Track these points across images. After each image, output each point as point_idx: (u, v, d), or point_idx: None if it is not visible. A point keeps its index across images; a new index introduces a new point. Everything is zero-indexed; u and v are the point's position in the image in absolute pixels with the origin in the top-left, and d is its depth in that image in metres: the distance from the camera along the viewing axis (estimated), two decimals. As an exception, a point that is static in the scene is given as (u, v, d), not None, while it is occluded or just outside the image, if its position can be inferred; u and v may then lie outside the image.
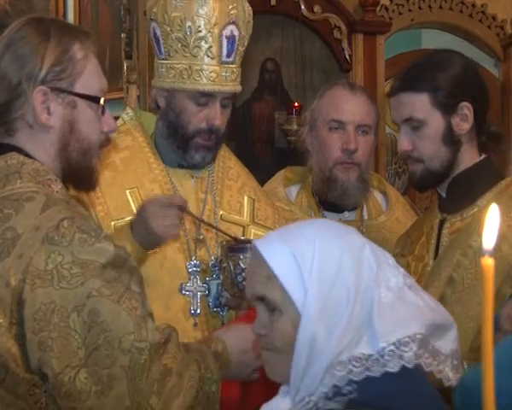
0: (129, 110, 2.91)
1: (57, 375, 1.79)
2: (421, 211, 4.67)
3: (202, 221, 2.66)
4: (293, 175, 3.37)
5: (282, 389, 1.72)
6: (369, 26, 5.19)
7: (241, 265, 2.49)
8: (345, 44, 5.17)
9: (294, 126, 4.73)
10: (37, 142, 1.98)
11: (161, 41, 2.65)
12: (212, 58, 2.61)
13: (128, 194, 2.68)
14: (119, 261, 1.88)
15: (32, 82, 1.94)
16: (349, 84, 3.31)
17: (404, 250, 2.76)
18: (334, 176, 3.12)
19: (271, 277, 1.62)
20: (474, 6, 5.44)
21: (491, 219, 1.00)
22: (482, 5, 5.46)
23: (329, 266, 1.61)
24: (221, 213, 2.77)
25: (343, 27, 5.16)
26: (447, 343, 1.69)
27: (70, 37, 1.99)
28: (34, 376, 1.82)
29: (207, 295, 2.66)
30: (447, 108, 2.54)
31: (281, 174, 3.38)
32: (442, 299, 2.41)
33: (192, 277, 2.65)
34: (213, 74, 2.61)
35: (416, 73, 2.58)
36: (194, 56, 2.61)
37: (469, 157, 2.60)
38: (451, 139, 2.56)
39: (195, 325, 2.63)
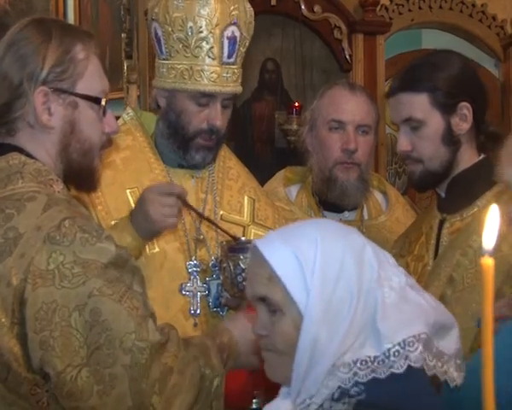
0: (129, 110, 2.91)
1: (59, 374, 1.80)
2: (422, 211, 4.67)
3: (201, 215, 2.66)
4: (293, 175, 3.37)
5: (283, 390, 1.71)
6: (369, 26, 5.19)
7: (242, 265, 2.49)
8: (345, 44, 5.17)
9: (294, 126, 4.72)
10: (38, 142, 1.98)
11: (162, 41, 2.66)
12: (213, 59, 2.61)
13: (128, 194, 2.67)
14: (121, 261, 1.88)
15: (33, 82, 1.94)
16: (349, 85, 3.31)
17: (402, 251, 2.76)
18: (334, 176, 3.12)
19: (273, 277, 1.61)
20: (474, 6, 5.44)
21: (491, 219, 1.00)
22: (482, 5, 5.46)
23: (332, 267, 1.59)
24: (221, 213, 2.77)
25: (343, 27, 5.15)
26: (450, 343, 1.68)
27: (72, 37, 1.99)
28: (36, 375, 1.82)
29: (207, 296, 2.66)
30: (446, 108, 2.54)
31: (281, 174, 3.38)
32: (442, 299, 2.41)
33: (192, 277, 2.65)
34: (214, 75, 2.61)
35: (415, 73, 2.58)
36: (196, 57, 2.61)
37: (469, 157, 2.60)
38: (451, 139, 2.56)
39: (195, 325, 2.63)
